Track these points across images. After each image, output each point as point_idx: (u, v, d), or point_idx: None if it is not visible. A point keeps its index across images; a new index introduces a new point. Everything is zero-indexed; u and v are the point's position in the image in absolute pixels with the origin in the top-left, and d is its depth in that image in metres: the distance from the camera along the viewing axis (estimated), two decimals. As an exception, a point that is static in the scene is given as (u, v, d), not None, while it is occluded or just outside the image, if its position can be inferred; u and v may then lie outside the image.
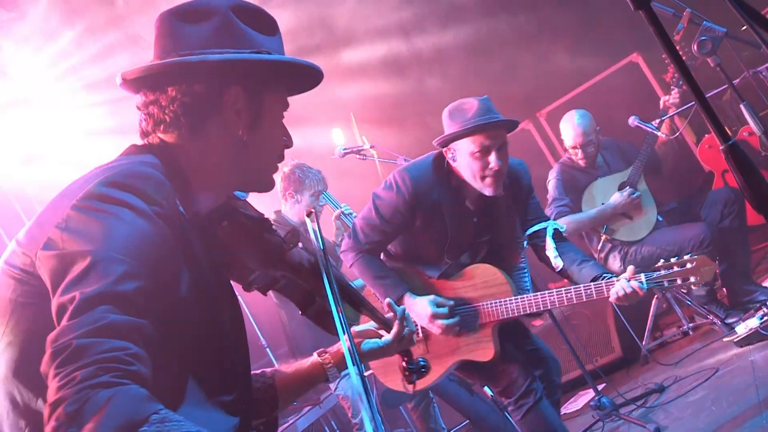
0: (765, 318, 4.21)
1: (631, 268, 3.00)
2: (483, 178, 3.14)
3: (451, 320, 3.22)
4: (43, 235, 1.35)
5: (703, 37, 2.91)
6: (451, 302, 3.26)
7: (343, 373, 2.03)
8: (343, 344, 1.73)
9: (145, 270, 1.31)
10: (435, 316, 3.21)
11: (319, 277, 1.77)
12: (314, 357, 1.96)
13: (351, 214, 4.87)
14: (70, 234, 1.32)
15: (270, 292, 1.89)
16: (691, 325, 4.82)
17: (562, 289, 3.11)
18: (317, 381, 1.96)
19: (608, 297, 3.01)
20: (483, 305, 3.24)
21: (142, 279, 1.30)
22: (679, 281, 2.86)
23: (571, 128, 5.16)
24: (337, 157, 4.83)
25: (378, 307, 2.11)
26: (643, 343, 4.90)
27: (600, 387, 4.53)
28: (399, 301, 3.23)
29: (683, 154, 5.26)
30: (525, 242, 3.41)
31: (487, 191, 3.17)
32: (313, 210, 1.85)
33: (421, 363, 2.09)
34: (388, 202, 3.20)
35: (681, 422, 2.78)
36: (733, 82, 3.06)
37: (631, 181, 4.99)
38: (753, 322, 4.25)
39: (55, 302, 1.26)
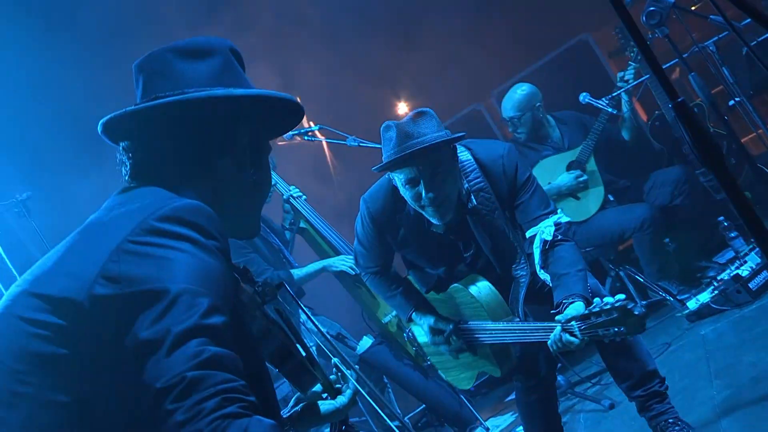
0: (716, 292, 4.28)
1: (566, 316, 2.57)
2: (422, 207, 2.86)
3: (445, 348, 3.15)
4: (88, 277, 1.29)
5: (652, 8, 2.90)
6: (450, 326, 3.09)
7: None
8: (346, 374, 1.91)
9: (222, 302, 1.30)
10: (434, 344, 3.17)
11: (290, 333, 1.79)
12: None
13: (301, 196, 4.80)
14: (133, 272, 1.28)
15: None
16: (644, 302, 4.87)
17: (518, 324, 2.90)
18: None
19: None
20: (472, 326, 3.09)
21: (223, 311, 1.30)
22: (613, 330, 2.40)
23: (504, 102, 5.18)
24: (284, 141, 4.75)
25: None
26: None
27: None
28: (409, 319, 3.23)
29: (640, 131, 5.29)
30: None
31: (434, 221, 2.89)
32: (280, 285, 1.86)
33: (355, 428, 2.06)
34: (360, 233, 3.15)
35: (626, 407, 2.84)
36: (683, 56, 3.07)
37: (580, 160, 5.00)
38: (704, 297, 4.31)
39: (136, 340, 1.23)
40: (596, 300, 2.48)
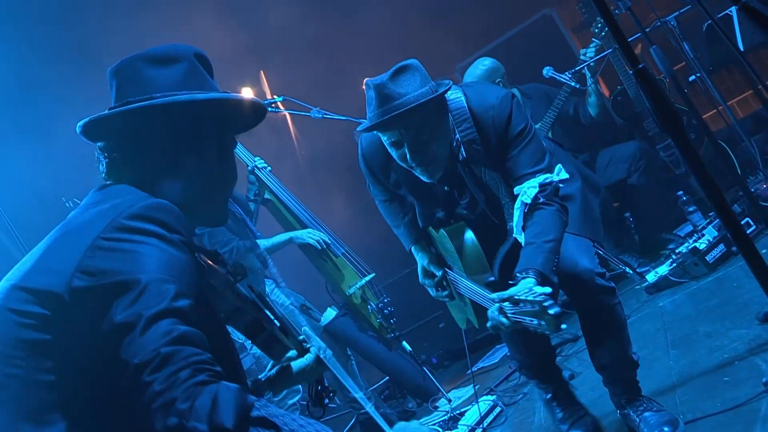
0: (674, 265, 4.36)
1: (501, 295, 2.39)
2: (410, 167, 2.69)
3: (432, 291, 3.07)
4: (66, 271, 1.46)
5: (614, -22, 2.91)
6: (440, 273, 3.02)
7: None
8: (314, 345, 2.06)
9: (186, 288, 1.48)
10: (424, 285, 3.10)
11: (260, 308, 1.98)
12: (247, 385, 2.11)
13: (265, 167, 4.77)
14: (106, 265, 1.45)
15: None
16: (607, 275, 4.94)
17: (478, 288, 2.77)
18: None
19: None
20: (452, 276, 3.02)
21: (189, 297, 1.47)
22: (535, 322, 2.24)
23: (466, 76, 5.19)
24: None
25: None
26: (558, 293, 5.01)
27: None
28: (409, 251, 3.14)
29: (604, 107, 5.35)
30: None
31: (423, 179, 2.74)
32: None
33: (329, 387, 2.25)
34: (360, 166, 3.01)
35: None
36: (646, 30, 3.10)
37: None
38: (662, 269, 4.40)
39: (112, 324, 1.40)
40: (528, 285, 2.30)
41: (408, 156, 2.62)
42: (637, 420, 2.81)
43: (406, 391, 5.02)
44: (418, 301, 5.48)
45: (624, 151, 5.14)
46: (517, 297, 2.25)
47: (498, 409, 4.05)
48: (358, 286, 4.78)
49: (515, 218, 2.64)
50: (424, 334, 5.99)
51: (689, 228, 4.90)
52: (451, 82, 2.68)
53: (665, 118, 1.32)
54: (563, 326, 2.16)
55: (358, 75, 7.27)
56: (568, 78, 4.78)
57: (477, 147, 2.69)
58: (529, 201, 2.60)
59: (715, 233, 4.33)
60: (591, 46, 4.85)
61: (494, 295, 2.39)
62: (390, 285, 5.90)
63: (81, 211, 1.64)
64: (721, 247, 4.24)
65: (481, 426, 3.96)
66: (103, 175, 1.76)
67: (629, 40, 4.48)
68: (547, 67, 4.89)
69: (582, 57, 4.90)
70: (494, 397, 4.15)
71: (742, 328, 3.29)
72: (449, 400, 4.53)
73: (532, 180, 2.63)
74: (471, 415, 4.06)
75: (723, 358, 3.12)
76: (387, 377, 5.23)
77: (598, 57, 4.84)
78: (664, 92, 1.33)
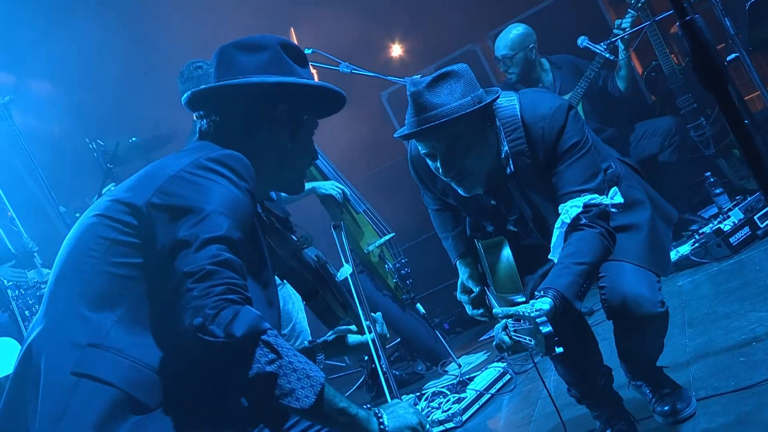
0: (696, 245, 4.31)
1: (507, 311, 2.25)
2: (446, 178, 2.54)
3: (469, 310, 2.83)
4: (149, 192, 1.76)
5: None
6: (477, 290, 2.79)
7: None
8: (365, 326, 2.24)
9: (241, 225, 1.74)
10: (462, 302, 2.87)
11: (321, 278, 2.22)
12: (304, 344, 2.35)
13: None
14: (181, 191, 1.74)
15: None
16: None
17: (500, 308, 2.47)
18: None
19: None
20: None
21: (240, 232, 1.73)
22: (531, 342, 2.12)
23: (498, 40, 5.11)
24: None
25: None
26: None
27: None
28: (455, 266, 2.93)
29: (635, 82, 5.25)
30: None
31: (460, 192, 2.58)
32: (339, 224, 2.35)
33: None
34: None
35: (609, 341, 2.84)
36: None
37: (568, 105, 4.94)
38: (684, 249, 4.35)
39: (172, 238, 1.67)
40: (538, 305, 2.18)
41: (441, 170, 2.50)
42: (650, 395, 2.78)
43: (417, 354, 5.02)
44: (435, 266, 5.45)
45: (660, 125, 5.05)
46: (519, 313, 2.14)
47: (507, 377, 4.05)
48: (376, 244, 4.77)
49: (554, 238, 2.47)
50: (438, 299, 5.98)
51: (714, 210, 4.83)
52: (500, 91, 2.52)
53: (709, 76, 1.27)
54: (557, 350, 2.02)
55: (387, 41, 7.25)
56: (602, 49, 4.69)
57: (526, 160, 2.52)
58: (568, 221, 2.41)
59: (741, 216, 4.26)
60: (627, 17, 4.74)
61: (499, 310, 2.27)
62: (409, 248, 5.88)
63: (174, 154, 1.94)
64: (746, 230, 4.17)
65: (489, 392, 3.96)
66: (196, 136, 2.06)
67: (667, 14, 4.36)
68: (582, 37, 4.80)
69: (616, 29, 4.80)
70: (504, 364, 4.14)
71: (762, 311, 3.24)
72: (459, 365, 4.53)
73: (577, 199, 2.43)
74: (480, 381, 4.06)
75: (740, 338, 3.09)
76: (398, 339, 5.23)
77: (633, 30, 4.74)
78: (712, 47, 1.27)
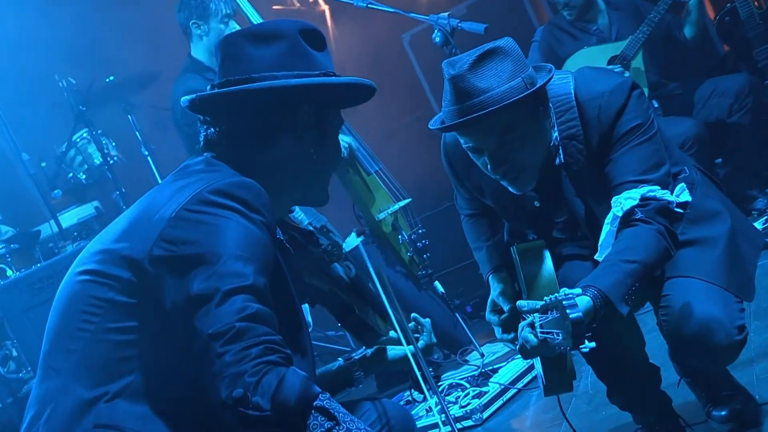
0: (767, 225, 4.23)
1: (533, 305, 2.18)
2: (495, 175, 2.46)
3: (498, 333, 2.69)
4: (148, 242, 1.71)
5: None
6: (507, 308, 2.66)
7: None
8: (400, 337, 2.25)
9: (262, 267, 1.71)
10: (491, 323, 2.75)
11: (356, 291, 2.24)
12: (340, 362, 2.37)
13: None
14: (187, 236, 1.69)
15: None
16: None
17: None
18: (345, 386, 2.37)
19: None
20: None
21: (265, 276, 1.70)
22: (558, 338, 2.07)
23: None
24: (280, 6, 4.60)
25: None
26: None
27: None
28: (486, 282, 2.85)
29: (705, 30, 5.14)
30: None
31: (512, 190, 2.51)
32: (365, 231, 2.27)
33: (432, 373, 2.35)
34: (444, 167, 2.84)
35: (657, 333, 2.80)
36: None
37: (624, 55, 4.85)
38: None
39: (185, 295, 1.63)
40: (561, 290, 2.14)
41: (489, 166, 2.41)
42: (705, 397, 2.74)
43: (433, 340, 5.00)
44: (458, 240, 5.35)
45: (730, 83, 4.94)
46: (546, 302, 2.09)
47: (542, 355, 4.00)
48: (390, 211, 4.72)
49: (602, 235, 2.40)
50: (460, 278, 5.95)
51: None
52: (554, 68, 2.45)
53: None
54: (585, 347, 1.99)
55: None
56: (668, -13, 4.58)
57: (578, 145, 2.45)
58: (620, 214, 2.34)
59: (822, 193, 4.18)
60: None
61: (523, 303, 2.22)
62: (428, 218, 5.84)
63: (170, 181, 1.89)
64: (829, 208, 4.09)
65: (515, 386, 3.93)
66: (200, 145, 2.02)
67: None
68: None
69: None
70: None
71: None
72: (482, 354, 4.51)
73: (634, 190, 2.34)
74: (505, 374, 4.04)
75: (815, 333, 3.04)
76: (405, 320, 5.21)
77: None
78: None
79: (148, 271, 1.71)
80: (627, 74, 4.79)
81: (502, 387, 3.91)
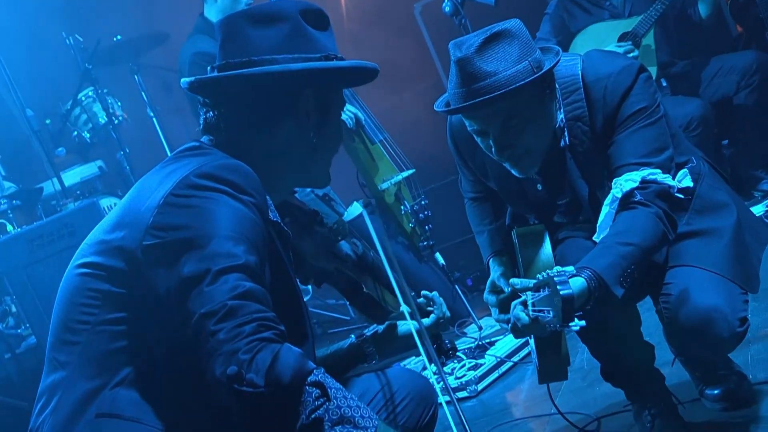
0: (771, 207, 4.23)
1: (525, 283, 2.23)
2: (500, 159, 2.47)
3: (495, 314, 2.64)
4: (140, 230, 1.71)
5: None
6: (508, 291, 2.60)
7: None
8: (406, 314, 2.19)
9: (253, 246, 1.70)
10: (489, 304, 2.73)
11: (363, 268, 2.23)
12: (351, 339, 2.36)
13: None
14: (176, 221, 1.69)
15: None
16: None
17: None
18: (357, 362, 2.35)
19: None
20: None
21: (256, 255, 1.69)
22: (548, 316, 2.08)
23: None
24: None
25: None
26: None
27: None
28: (487, 266, 2.85)
29: (719, 9, 5.09)
30: None
31: (515, 173, 2.52)
32: (371, 201, 2.32)
33: (448, 346, 2.38)
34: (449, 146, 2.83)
35: (652, 312, 2.81)
36: None
37: (636, 31, 4.80)
38: (758, 210, 4.27)
39: (177, 278, 1.63)
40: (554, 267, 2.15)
41: (494, 149, 2.42)
42: (699, 375, 2.74)
43: (432, 311, 5.01)
44: (460, 214, 5.34)
45: (737, 61, 4.89)
46: (539, 280, 2.10)
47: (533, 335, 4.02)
48: (393, 181, 4.72)
49: (601, 216, 2.39)
50: (461, 252, 5.93)
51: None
52: (561, 51, 2.44)
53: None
54: (575, 325, 1.98)
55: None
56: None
57: (583, 126, 2.45)
58: (620, 195, 2.33)
59: (831, 176, 4.16)
60: None
61: (517, 281, 2.25)
62: (432, 190, 5.82)
63: (159, 167, 1.88)
64: (835, 192, 4.08)
65: (511, 360, 3.94)
66: (200, 128, 2.01)
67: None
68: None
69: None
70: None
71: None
72: (480, 327, 4.52)
73: (635, 172, 2.34)
74: (502, 346, 4.05)
75: (814, 317, 3.04)
76: (412, 292, 5.22)
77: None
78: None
79: (141, 260, 1.71)
80: (636, 52, 4.76)
81: (499, 360, 3.92)
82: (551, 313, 2.03)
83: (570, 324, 2.01)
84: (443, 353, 2.37)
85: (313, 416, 1.56)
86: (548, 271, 2.10)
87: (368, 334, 2.34)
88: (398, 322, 2.33)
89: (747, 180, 4.86)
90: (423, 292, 2.43)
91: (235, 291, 1.60)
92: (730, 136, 5.03)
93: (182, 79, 2.02)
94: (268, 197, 1.89)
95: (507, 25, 2.35)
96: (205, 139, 1.99)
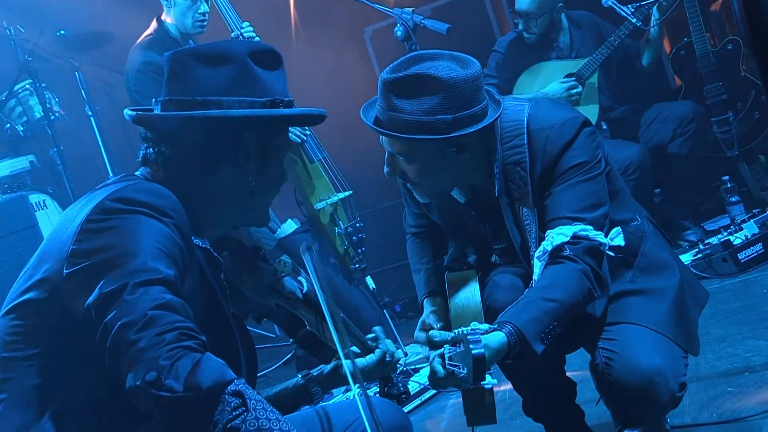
0: (699, 256, 4.34)
1: (444, 336, 2.25)
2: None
3: (425, 351, 2.71)
4: (59, 260, 1.72)
5: None
6: (439, 325, 2.65)
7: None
8: (344, 364, 2.15)
9: (173, 262, 1.71)
10: (419, 342, 2.74)
11: (309, 306, 2.20)
12: (298, 378, 2.31)
13: (253, 38, 4.61)
14: (93, 245, 1.69)
15: None
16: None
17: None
18: (302, 402, 2.31)
19: None
20: None
21: (176, 270, 1.70)
22: (461, 371, 2.10)
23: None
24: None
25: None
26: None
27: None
28: (421, 306, 2.85)
29: (660, 61, 5.24)
30: None
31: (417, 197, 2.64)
32: (311, 246, 2.33)
33: (401, 390, 2.38)
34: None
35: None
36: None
37: (580, 72, 4.91)
38: (685, 259, 4.35)
39: (101, 295, 1.62)
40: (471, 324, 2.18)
41: (385, 167, 2.51)
42: (618, 415, 2.77)
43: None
44: (394, 241, 5.37)
45: (674, 109, 5.03)
46: (456, 335, 2.13)
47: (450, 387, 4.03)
48: (329, 201, 4.69)
49: (535, 270, 2.37)
50: (392, 278, 5.95)
51: (726, 221, 4.84)
52: (503, 109, 2.45)
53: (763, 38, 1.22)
54: (486, 383, 2.02)
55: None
56: (629, 12, 4.64)
57: (521, 172, 2.44)
58: (549, 248, 2.32)
59: (756, 230, 4.28)
60: None
61: (436, 333, 2.30)
62: (367, 215, 5.82)
63: (80, 199, 1.88)
64: (759, 247, 4.20)
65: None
66: (139, 160, 2.00)
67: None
68: (611, -4, 4.75)
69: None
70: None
71: (762, 339, 3.27)
72: (405, 354, 4.50)
73: (567, 227, 2.33)
74: (425, 374, 4.02)
75: (732, 366, 3.12)
76: (341, 313, 5.20)
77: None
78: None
79: (63, 289, 1.71)
80: (580, 88, 4.86)
81: (422, 387, 3.92)
82: (464, 369, 2.05)
83: (481, 383, 2.05)
84: (395, 397, 2.35)
85: (229, 425, 1.54)
86: (463, 328, 2.12)
87: (314, 374, 2.31)
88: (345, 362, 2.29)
89: (675, 229, 4.98)
90: (375, 327, 2.39)
91: (156, 302, 1.60)
92: (663, 184, 5.14)
93: (125, 110, 2.02)
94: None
95: (442, 73, 2.33)
96: (141, 171, 1.98)
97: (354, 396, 2.16)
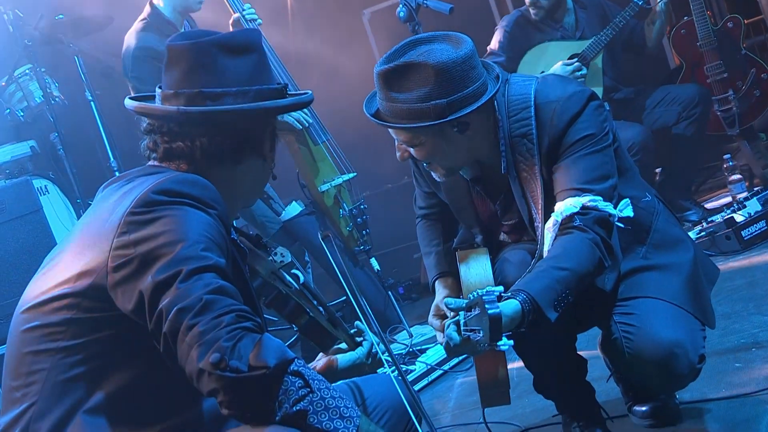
0: (702, 234, 4.36)
1: (459, 303, 2.26)
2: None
3: (440, 338, 2.58)
4: (103, 252, 1.72)
5: None
6: (453, 304, 2.46)
7: None
8: (372, 338, 2.19)
9: (223, 252, 1.74)
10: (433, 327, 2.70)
11: (306, 296, 2.23)
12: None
13: (255, 20, 4.60)
14: (141, 235, 1.70)
15: None
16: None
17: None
18: None
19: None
20: None
21: (225, 258, 1.74)
22: (477, 336, 2.13)
23: None
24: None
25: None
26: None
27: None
28: (432, 287, 2.87)
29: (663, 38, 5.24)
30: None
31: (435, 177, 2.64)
32: (329, 234, 2.37)
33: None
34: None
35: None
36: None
37: (585, 54, 4.92)
38: (687, 237, 4.37)
39: (153, 283, 1.64)
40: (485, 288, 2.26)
41: (401, 153, 2.56)
42: (628, 391, 2.80)
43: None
44: (398, 222, 5.44)
45: (681, 92, 5.03)
46: (471, 299, 2.16)
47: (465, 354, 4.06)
48: (333, 183, 4.70)
49: (546, 241, 2.40)
50: (396, 260, 5.99)
51: (727, 199, 4.87)
52: (502, 77, 2.48)
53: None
54: (503, 344, 2.05)
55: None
56: (635, -8, 4.65)
57: (528, 144, 2.47)
58: (559, 219, 2.36)
59: (759, 208, 4.30)
60: None
61: (450, 300, 2.30)
62: (371, 196, 5.85)
63: (113, 190, 1.88)
64: (762, 224, 4.23)
65: (441, 368, 3.97)
66: (154, 155, 1.98)
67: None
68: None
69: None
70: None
71: (767, 314, 3.28)
72: (411, 335, 4.53)
73: (576, 198, 2.36)
74: (432, 355, 4.07)
75: (739, 342, 3.14)
76: (344, 297, 5.21)
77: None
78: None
79: (108, 282, 1.71)
80: (585, 70, 4.86)
81: (429, 367, 3.95)
82: (481, 332, 2.07)
83: (498, 343, 2.07)
84: None
85: (296, 407, 1.59)
86: (479, 290, 2.15)
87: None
88: (338, 356, 2.27)
89: (675, 209, 4.99)
90: (356, 322, 2.37)
91: (210, 287, 1.63)
92: (668, 163, 5.15)
93: (125, 100, 2.05)
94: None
95: (432, 59, 2.35)
96: (156, 162, 1.99)
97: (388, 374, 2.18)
